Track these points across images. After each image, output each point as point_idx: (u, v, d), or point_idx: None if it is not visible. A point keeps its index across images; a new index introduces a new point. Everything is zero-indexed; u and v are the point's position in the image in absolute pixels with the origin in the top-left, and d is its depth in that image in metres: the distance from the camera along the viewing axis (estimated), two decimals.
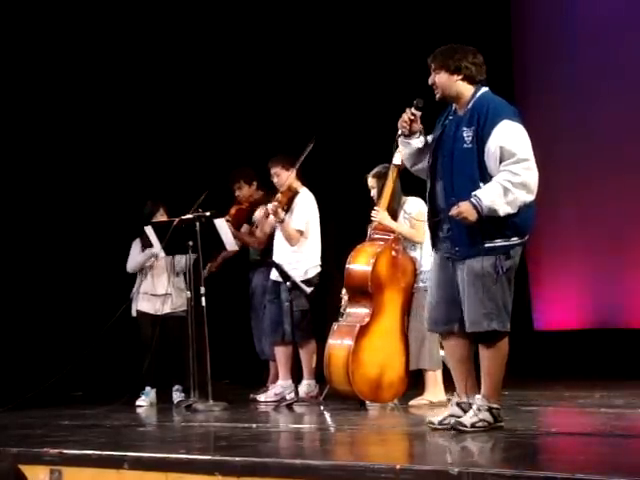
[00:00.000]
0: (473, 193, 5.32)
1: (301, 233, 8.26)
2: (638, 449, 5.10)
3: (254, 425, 6.54)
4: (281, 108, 11.15)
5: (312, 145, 8.09)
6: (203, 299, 7.98)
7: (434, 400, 7.46)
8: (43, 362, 9.86)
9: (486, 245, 5.40)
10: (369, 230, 7.66)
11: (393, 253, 7.45)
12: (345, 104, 11.08)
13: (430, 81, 5.61)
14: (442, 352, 7.64)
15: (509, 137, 5.35)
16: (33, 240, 10.56)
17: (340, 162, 10.48)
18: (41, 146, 10.71)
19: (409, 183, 7.68)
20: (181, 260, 8.73)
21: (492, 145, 5.35)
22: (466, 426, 5.43)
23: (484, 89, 5.58)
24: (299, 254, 8.27)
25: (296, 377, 8.17)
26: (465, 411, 5.59)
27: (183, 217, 8.19)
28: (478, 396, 5.52)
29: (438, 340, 7.52)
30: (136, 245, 8.93)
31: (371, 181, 7.71)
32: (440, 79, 5.56)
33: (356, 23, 11.22)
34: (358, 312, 7.42)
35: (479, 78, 5.58)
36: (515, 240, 5.46)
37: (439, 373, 7.54)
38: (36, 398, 8.29)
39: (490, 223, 5.37)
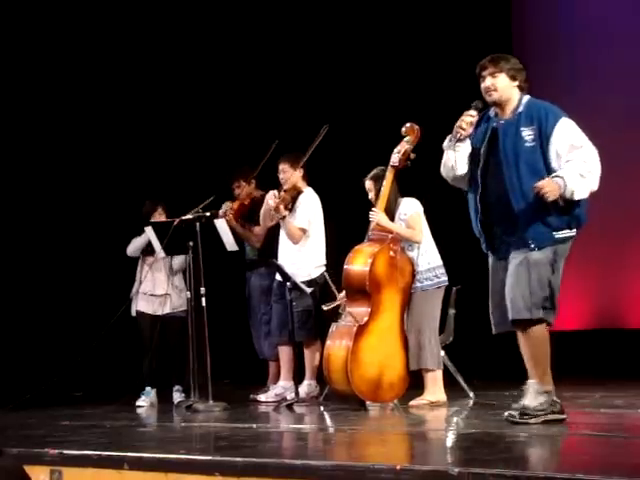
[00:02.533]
0: (555, 174, 5.57)
1: (303, 231, 8.26)
2: (638, 449, 5.10)
3: (254, 425, 6.54)
4: (280, 109, 11.15)
5: (323, 135, 8.13)
6: (203, 299, 7.99)
7: (434, 400, 7.46)
8: (43, 362, 9.86)
9: (555, 235, 5.66)
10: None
11: (391, 253, 7.46)
12: (344, 106, 11.08)
13: (487, 83, 5.84)
14: (442, 352, 7.68)
15: (572, 133, 5.70)
16: (33, 240, 10.56)
17: (339, 163, 10.48)
18: (41, 146, 10.71)
19: (406, 184, 7.71)
20: (178, 257, 8.72)
21: (557, 140, 5.66)
22: (530, 408, 5.61)
23: (528, 95, 5.90)
24: (303, 254, 8.27)
25: (297, 377, 8.17)
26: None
27: (183, 217, 8.19)
28: (532, 381, 5.69)
29: (438, 340, 7.57)
30: (136, 240, 8.96)
31: (368, 184, 7.73)
32: (501, 83, 5.84)
33: (355, 25, 11.22)
34: (357, 312, 7.42)
35: (525, 89, 5.92)
36: (574, 232, 5.74)
37: (439, 373, 7.54)
38: (36, 398, 8.30)
39: (558, 213, 5.64)
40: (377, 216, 7.48)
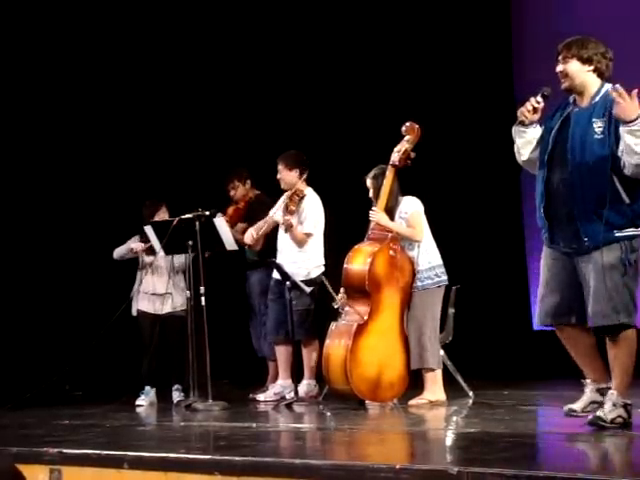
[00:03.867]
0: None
1: (309, 236, 8.27)
2: (638, 449, 5.10)
3: (253, 425, 6.54)
4: (280, 109, 11.14)
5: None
6: (203, 299, 7.98)
7: (433, 399, 7.46)
8: (43, 362, 9.86)
9: (617, 234, 5.40)
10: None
11: (391, 252, 7.45)
12: (345, 105, 11.08)
13: (559, 68, 5.66)
14: (442, 352, 7.67)
15: None
16: (33, 240, 10.55)
17: (340, 162, 10.47)
18: (41, 146, 10.70)
19: (407, 183, 7.71)
20: (180, 259, 8.73)
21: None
22: (606, 421, 5.37)
23: (609, 84, 5.61)
24: (303, 254, 8.27)
25: (296, 377, 8.17)
26: (604, 396, 5.57)
27: (182, 217, 8.19)
28: (612, 391, 5.48)
29: (438, 339, 7.57)
30: (133, 241, 8.95)
31: (368, 182, 7.73)
32: (572, 67, 5.62)
33: (355, 24, 11.21)
34: (356, 311, 7.42)
35: (607, 74, 5.67)
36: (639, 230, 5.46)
37: (439, 372, 7.54)
38: (36, 398, 8.29)
39: (620, 210, 5.39)
40: (377, 215, 7.48)
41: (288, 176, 8.32)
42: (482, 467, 4.26)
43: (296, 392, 7.98)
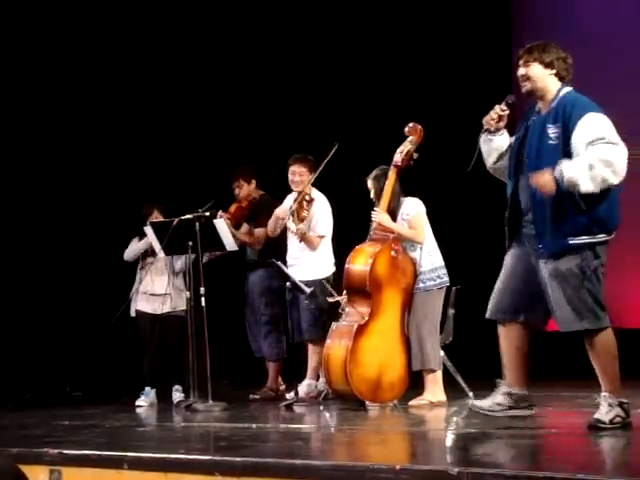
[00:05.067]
0: (558, 161, 5.33)
1: (322, 238, 8.28)
2: (638, 449, 5.10)
3: (254, 425, 6.54)
4: (281, 109, 11.14)
5: (333, 151, 8.11)
6: (203, 299, 7.98)
7: (434, 400, 7.46)
8: (43, 362, 9.85)
9: (570, 242, 5.41)
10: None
11: (392, 253, 7.45)
12: (347, 106, 11.08)
13: (521, 72, 5.70)
14: (442, 352, 7.67)
15: (595, 126, 5.44)
16: (33, 240, 10.55)
17: (342, 163, 10.46)
18: (41, 147, 10.69)
19: (408, 184, 7.70)
20: (180, 259, 8.73)
21: (578, 136, 5.41)
22: (605, 423, 5.39)
23: (569, 88, 5.68)
24: (313, 255, 8.28)
25: (295, 377, 8.16)
26: (515, 401, 5.60)
27: (182, 217, 8.19)
28: (604, 393, 5.50)
29: (439, 340, 7.57)
30: (134, 243, 8.95)
31: (369, 183, 7.73)
32: (534, 71, 5.66)
33: (355, 25, 11.21)
34: (357, 312, 7.42)
35: (567, 78, 5.72)
36: (601, 237, 5.49)
37: (439, 373, 7.54)
38: (36, 398, 8.29)
39: (575, 218, 5.41)
40: (379, 216, 7.48)
41: (308, 179, 8.31)
42: (482, 467, 4.26)
43: (296, 393, 7.98)
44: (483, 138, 5.79)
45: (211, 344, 7.99)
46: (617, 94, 10.66)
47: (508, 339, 5.70)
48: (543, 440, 5.51)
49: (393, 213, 7.56)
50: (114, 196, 10.70)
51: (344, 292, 7.68)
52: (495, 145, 5.75)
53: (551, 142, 5.47)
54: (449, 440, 5.37)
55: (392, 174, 7.51)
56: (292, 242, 8.40)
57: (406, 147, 7.49)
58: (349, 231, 8.35)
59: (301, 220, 8.20)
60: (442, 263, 7.61)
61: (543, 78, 5.63)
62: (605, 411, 5.44)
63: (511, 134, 5.81)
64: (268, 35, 11.27)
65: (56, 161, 10.72)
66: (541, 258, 5.51)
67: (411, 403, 7.44)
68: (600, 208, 5.47)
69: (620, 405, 5.47)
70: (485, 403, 5.70)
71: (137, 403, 8.58)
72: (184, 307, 8.48)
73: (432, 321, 7.52)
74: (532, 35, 11.48)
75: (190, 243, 8.13)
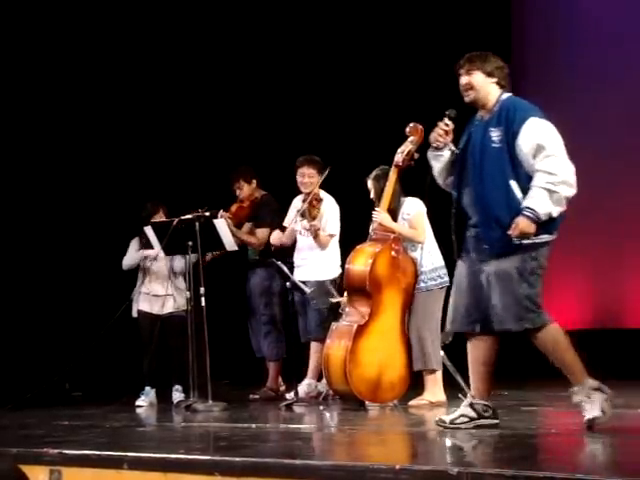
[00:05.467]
0: (524, 205, 5.42)
1: (332, 237, 8.31)
2: (638, 449, 5.10)
3: (253, 425, 6.54)
4: (282, 109, 11.14)
5: (327, 173, 8.17)
6: (203, 299, 7.98)
7: (433, 400, 7.46)
8: (43, 362, 9.86)
9: (515, 243, 5.47)
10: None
11: (393, 253, 7.45)
12: (348, 106, 11.08)
13: (463, 81, 5.76)
14: (442, 352, 7.67)
15: (539, 132, 5.50)
16: (33, 240, 10.55)
17: (343, 163, 10.46)
18: (41, 147, 10.71)
19: (409, 183, 7.70)
20: (180, 260, 8.73)
21: (523, 141, 5.48)
22: (599, 417, 5.41)
23: (508, 93, 5.78)
24: (322, 255, 8.29)
25: (295, 377, 8.16)
26: (478, 413, 5.60)
27: (182, 217, 8.19)
28: (575, 389, 5.52)
29: (439, 340, 7.57)
30: (134, 244, 8.95)
31: (369, 183, 7.74)
32: (476, 80, 5.73)
33: (356, 26, 11.22)
34: (357, 312, 7.42)
35: (506, 87, 5.80)
36: (544, 238, 5.54)
37: (439, 373, 7.55)
38: (36, 398, 8.29)
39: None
40: (380, 216, 7.48)
41: (317, 180, 8.33)
42: (482, 467, 4.26)
43: (296, 392, 7.98)
44: (433, 155, 5.87)
45: (211, 344, 7.99)
46: (617, 93, 10.67)
47: (472, 350, 5.74)
48: (543, 440, 5.51)
49: (393, 213, 7.56)
50: (115, 196, 10.71)
51: (345, 293, 7.69)
52: (445, 160, 5.83)
53: (494, 145, 5.56)
54: (449, 440, 5.36)
55: (393, 174, 7.51)
56: (301, 242, 8.41)
57: (407, 147, 7.48)
58: (349, 231, 8.36)
59: (313, 218, 8.22)
60: (442, 263, 7.62)
61: (485, 86, 5.72)
62: (589, 408, 5.46)
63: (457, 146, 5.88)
64: (270, 35, 11.28)
65: (57, 161, 10.73)
66: (484, 260, 5.57)
67: (411, 403, 7.44)
68: None
69: (597, 389, 5.52)
70: (450, 417, 5.73)
71: (137, 403, 8.58)
72: (185, 307, 8.48)
73: (433, 321, 7.52)
74: (532, 35, 11.52)
75: (190, 243, 8.13)
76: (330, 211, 8.37)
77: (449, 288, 7.77)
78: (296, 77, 11.26)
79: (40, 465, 5.39)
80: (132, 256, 8.91)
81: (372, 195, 7.71)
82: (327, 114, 11.03)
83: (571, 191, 5.51)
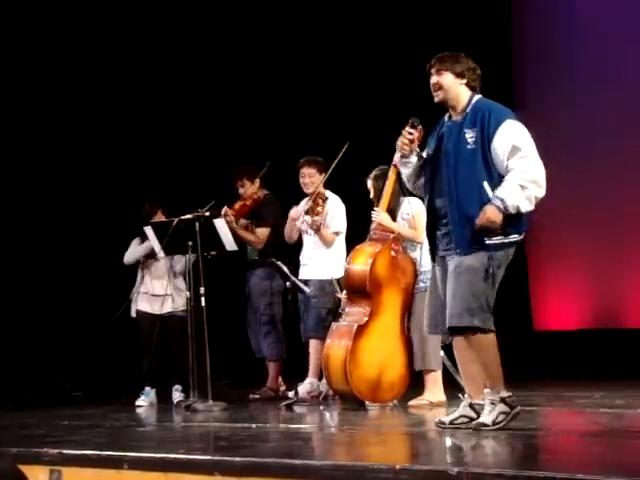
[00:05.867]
0: (494, 195, 5.47)
1: (337, 234, 8.31)
2: (638, 449, 5.10)
3: (253, 425, 6.54)
4: (282, 108, 11.14)
5: (344, 150, 8.14)
6: (203, 299, 7.98)
7: (434, 400, 7.46)
8: (43, 362, 9.86)
9: (487, 242, 5.52)
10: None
11: (392, 253, 7.46)
12: (348, 106, 11.08)
13: (433, 80, 5.77)
14: (442, 352, 7.67)
15: (515, 135, 5.54)
16: (33, 240, 10.56)
17: (344, 163, 10.47)
18: (41, 147, 10.71)
19: None
20: (180, 260, 8.73)
21: (498, 143, 5.53)
22: (488, 425, 5.48)
23: (479, 95, 5.80)
24: (327, 254, 8.29)
25: (295, 377, 8.16)
26: (478, 413, 5.66)
27: (182, 217, 8.19)
28: (487, 390, 5.59)
29: (439, 340, 7.56)
30: (135, 244, 8.95)
31: (369, 183, 7.74)
32: (445, 80, 5.74)
33: (357, 26, 11.22)
34: (357, 312, 7.43)
35: (478, 89, 5.81)
36: (513, 238, 5.60)
37: (439, 373, 7.55)
38: (36, 398, 8.29)
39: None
40: (379, 216, 7.48)
41: (318, 180, 8.35)
42: (482, 467, 4.26)
43: (296, 392, 7.98)
44: (401, 162, 5.91)
45: (211, 344, 7.99)
46: (617, 93, 10.67)
47: (457, 351, 5.76)
48: (543, 440, 5.51)
49: (393, 213, 7.56)
50: (115, 196, 10.71)
51: (344, 292, 7.69)
52: (415, 166, 5.86)
53: (469, 147, 5.58)
54: (449, 440, 5.36)
55: (392, 174, 7.49)
56: (307, 241, 8.43)
57: None
58: (350, 231, 8.36)
59: (316, 215, 8.22)
60: None
61: (454, 87, 5.74)
62: (487, 411, 5.54)
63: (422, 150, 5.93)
64: (273, 35, 11.28)
65: (58, 162, 10.73)
66: (451, 257, 5.61)
67: (411, 403, 7.44)
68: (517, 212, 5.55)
69: (502, 400, 5.57)
70: (449, 418, 5.75)
71: (137, 403, 8.58)
72: (185, 307, 8.48)
73: None
74: (532, 35, 11.51)
75: (190, 243, 8.12)
76: (335, 209, 8.38)
77: None
78: (297, 77, 11.26)
79: (40, 465, 5.39)
80: (134, 251, 8.90)
81: (372, 195, 7.72)
82: (328, 114, 11.03)
83: (541, 192, 5.53)
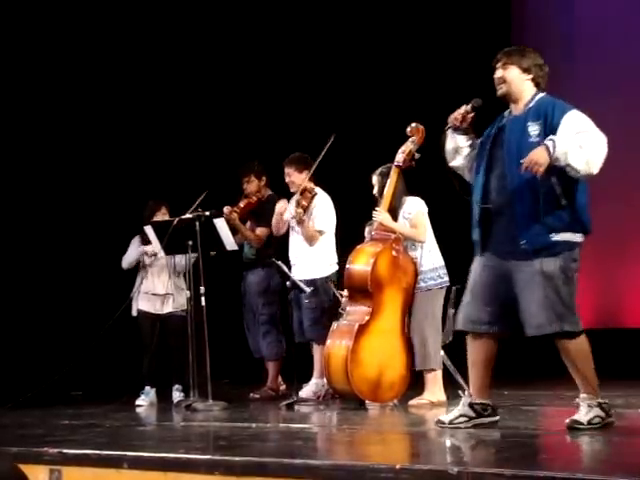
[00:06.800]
0: (548, 137, 5.36)
1: (321, 233, 8.28)
2: (638, 449, 5.09)
3: (253, 425, 6.54)
4: (283, 107, 11.14)
5: (330, 142, 8.13)
6: (203, 299, 7.98)
7: (434, 400, 7.46)
8: (43, 362, 9.86)
9: (553, 238, 5.44)
10: (367, 229, 7.70)
11: (394, 253, 7.46)
12: (349, 106, 11.09)
13: (498, 74, 5.70)
14: (442, 352, 7.67)
15: (580, 121, 5.45)
16: (33, 240, 10.55)
17: (344, 162, 10.48)
18: (41, 146, 10.70)
19: (410, 183, 7.70)
20: (181, 260, 8.73)
21: (563, 131, 5.41)
22: (583, 424, 5.38)
23: (543, 93, 5.73)
24: (315, 253, 8.28)
25: (295, 376, 8.16)
26: (477, 412, 5.59)
27: (182, 217, 8.19)
28: (583, 395, 5.49)
29: (439, 340, 7.57)
30: (134, 243, 8.95)
31: (375, 179, 7.74)
32: (511, 74, 5.66)
33: (358, 27, 11.23)
34: (358, 311, 7.43)
35: (543, 85, 5.75)
36: (579, 237, 5.54)
37: (439, 373, 7.55)
38: (36, 398, 8.29)
39: (557, 214, 5.42)
40: (380, 216, 7.48)
41: (298, 179, 8.35)
42: (482, 467, 4.26)
43: (296, 392, 7.97)
44: (447, 134, 5.87)
45: (211, 344, 7.99)
46: (617, 94, 10.67)
47: (477, 350, 5.69)
48: (543, 440, 5.51)
49: (394, 212, 7.56)
50: (115, 195, 10.70)
51: (344, 291, 7.69)
52: (457, 144, 5.83)
53: (532, 140, 5.49)
54: (449, 440, 5.36)
55: (393, 174, 7.52)
56: (294, 240, 8.41)
57: (408, 147, 7.49)
58: (350, 231, 8.36)
59: (302, 208, 8.21)
60: (442, 263, 7.62)
61: (519, 82, 5.67)
62: (584, 412, 5.44)
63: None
64: (271, 32, 11.27)
65: (58, 161, 10.73)
66: (519, 259, 5.49)
67: (411, 403, 7.44)
68: (579, 206, 5.49)
69: (599, 406, 5.48)
70: (449, 417, 5.72)
71: (137, 403, 8.58)
72: (185, 306, 8.48)
73: (433, 321, 7.52)
74: (532, 35, 11.51)
75: (190, 242, 8.12)
76: (321, 207, 8.33)
77: (449, 288, 7.80)
78: (299, 76, 11.26)
79: (40, 464, 5.39)
80: (131, 254, 8.90)
81: (375, 190, 7.71)
82: (329, 114, 11.02)
83: (596, 167, 5.35)
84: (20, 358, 10.12)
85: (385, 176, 7.59)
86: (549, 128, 5.45)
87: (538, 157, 5.31)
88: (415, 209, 7.58)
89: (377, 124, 10.55)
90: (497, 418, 5.71)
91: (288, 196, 8.68)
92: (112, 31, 10.90)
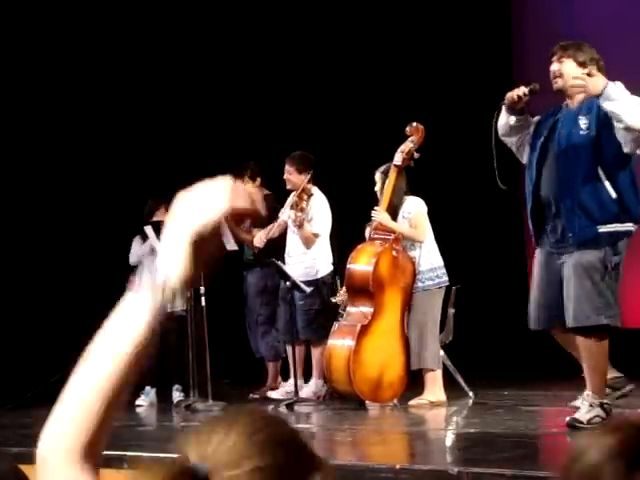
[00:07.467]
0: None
1: (317, 236, 8.27)
2: None
3: None
4: (284, 107, 11.14)
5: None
6: (203, 299, 7.98)
7: (433, 400, 7.45)
8: (43, 361, 9.85)
9: (600, 230, 5.41)
10: (367, 228, 7.70)
11: (394, 253, 7.46)
12: (349, 106, 11.07)
13: (554, 67, 5.71)
14: (442, 352, 7.67)
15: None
16: (34, 239, 10.54)
17: (344, 162, 10.48)
18: (41, 145, 10.69)
19: (410, 183, 7.70)
20: None
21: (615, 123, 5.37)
22: (583, 423, 5.37)
23: None
24: (310, 254, 8.27)
25: (295, 376, 8.16)
26: (607, 411, 5.53)
27: None
28: (588, 392, 5.49)
29: (438, 340, 7.57)
30: (137, 242, 8.96)
31: (377, 176, 7.72)
32: (567, 68, 5.65)
33: (358, 26, 11.22)
34: (359, 312, 7.42)
35: None
36: (629, 226, 5.48)
37: (439, 373, 7.54)
38: (36, 398, 8.29)
39: (605, 205, 5.40)
40: (379, 216, 7.48)
41: (297, 179, 8.31)
42: (482, 467, 4.26)
43: (296, 392, 7.97)
44: (503, 108, 5.86)
45: (211, 344, 7.98)
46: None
47: (566, 344, 5.71)
48: (543, 440, 5.51)
49: (394, 212, 7.56)
50: (115, 195, 10.69)
51: (343, 291, 7.68)
52: (508, 121, 5.81)
53: (582, 132, 5.50)
54: (449, 440, 5.36)
55: (393, 173, 7.51)
56: (290, 241, 8.40)
57: (407, 147, 7.49)
58: (350, 231, 8.35)
59: (300, 211, 8.20)
60: (441, 263, 7.61)
61: (575, 76, 5.61)
62: (585, 411, 5.43)
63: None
64: (271, 32, 11.27)
65: (58, 160, 10.71)
66: (565, 252, 5.49)
67: (411, 403, 7.43)
68: (626, 195, 5.46)
69: (601, 406, 5.47)
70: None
71: (137, 403, 8.57)
72: (185, 307, 8.47)
73: (432, 320, 7.52)
74: (532, 35, 11.50)
75: None
76: (318, 209, 8.30)
77: (449, 288, 7.80)
78: (298, 76, 11.25)
79: None
80: (138, 251, 8.90)
81: (377, 187, 7.69)
82: (328, 114, 11.02)
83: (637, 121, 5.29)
84: (20, 358, 10.11)
85: (387, 174, 7.59)
86: (601, 121, 5.42)
87: (590, 80, 5.33)
88: (415, 209, 7.58)
89: (377, 124, 10.54)
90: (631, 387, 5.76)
91: (284, 194, 8.65)
92: (112, 31, 10.89)
